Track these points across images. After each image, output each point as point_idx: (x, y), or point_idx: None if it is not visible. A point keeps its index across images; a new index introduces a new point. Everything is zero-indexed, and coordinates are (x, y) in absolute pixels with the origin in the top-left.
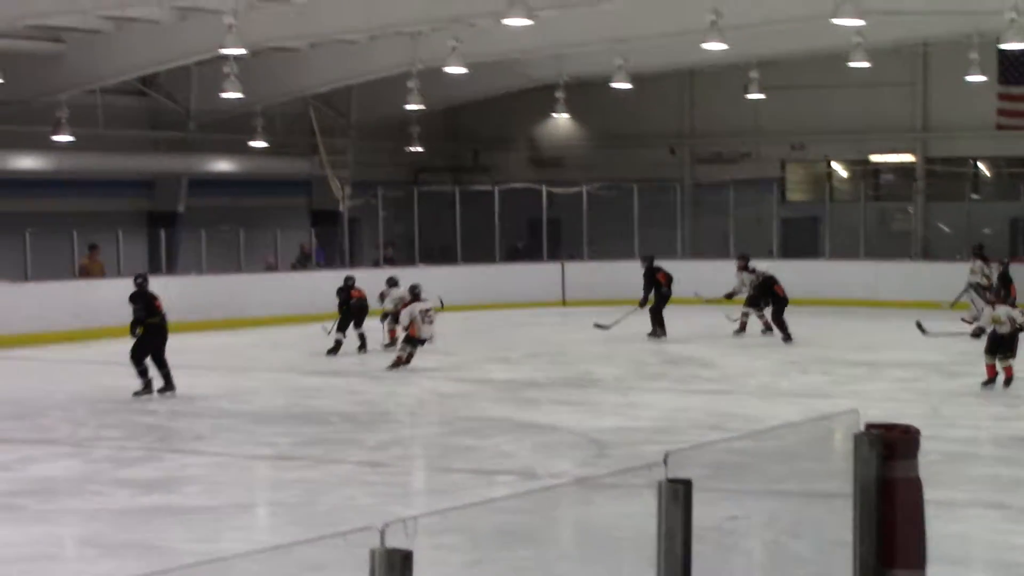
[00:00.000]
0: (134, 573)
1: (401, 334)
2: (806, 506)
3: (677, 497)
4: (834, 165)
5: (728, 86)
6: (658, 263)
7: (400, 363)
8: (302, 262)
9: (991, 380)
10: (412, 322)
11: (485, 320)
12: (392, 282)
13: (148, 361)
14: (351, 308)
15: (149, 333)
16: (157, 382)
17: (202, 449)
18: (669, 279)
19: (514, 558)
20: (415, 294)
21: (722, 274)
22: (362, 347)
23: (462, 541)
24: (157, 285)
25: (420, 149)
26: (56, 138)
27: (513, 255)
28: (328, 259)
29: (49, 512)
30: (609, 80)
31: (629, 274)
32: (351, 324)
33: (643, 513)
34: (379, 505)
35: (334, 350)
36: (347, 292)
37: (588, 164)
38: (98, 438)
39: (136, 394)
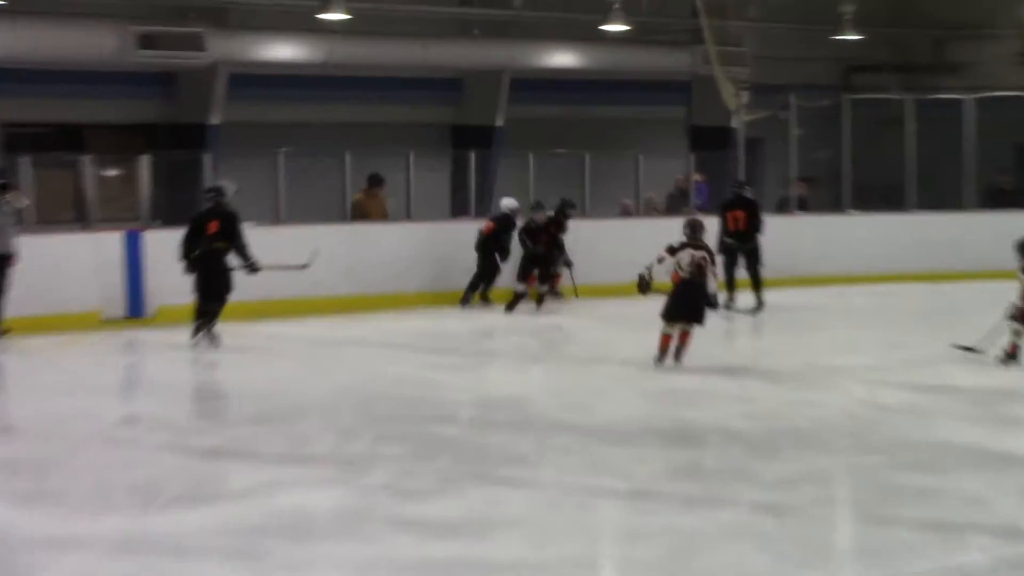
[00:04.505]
0: None
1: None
2: None
3: None
4: None
5: None
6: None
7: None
8: (676, 203)
9: None
10: None
11: (950, 296)
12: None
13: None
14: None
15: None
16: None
17: (523, 478)
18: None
19: None
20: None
21: None
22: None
23: None
24: (463, 231)
25: (855, 37)
26: (326, 16)
27: (995, 198)
28: (713, 199)
29: (303, 563)
30: None
31: None
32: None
33: None
34: (783, 570)
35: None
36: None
37: None
38: (374, 456)
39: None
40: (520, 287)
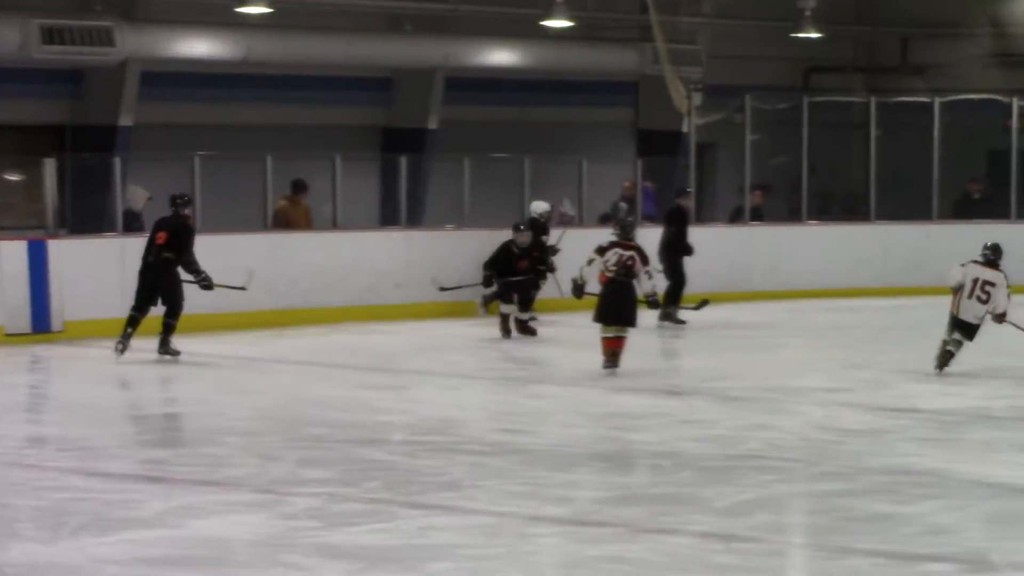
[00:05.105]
0: None
1: None
2: None
3: None
4: None
5: None
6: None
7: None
8: (622, 213)
9: None
10: None
11: (915, 312)
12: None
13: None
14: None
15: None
16: None
17: (457, 504)
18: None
19: None
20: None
21: None
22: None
23: None
24: (391, 241)
25: (815, 35)
26: (245, 10)
27: (964, 208)
28: (662, 208)
29: None
30: None
31: None
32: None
33: None
34: None
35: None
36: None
37: None
38: (297, 480)
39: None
40: (506, 308)
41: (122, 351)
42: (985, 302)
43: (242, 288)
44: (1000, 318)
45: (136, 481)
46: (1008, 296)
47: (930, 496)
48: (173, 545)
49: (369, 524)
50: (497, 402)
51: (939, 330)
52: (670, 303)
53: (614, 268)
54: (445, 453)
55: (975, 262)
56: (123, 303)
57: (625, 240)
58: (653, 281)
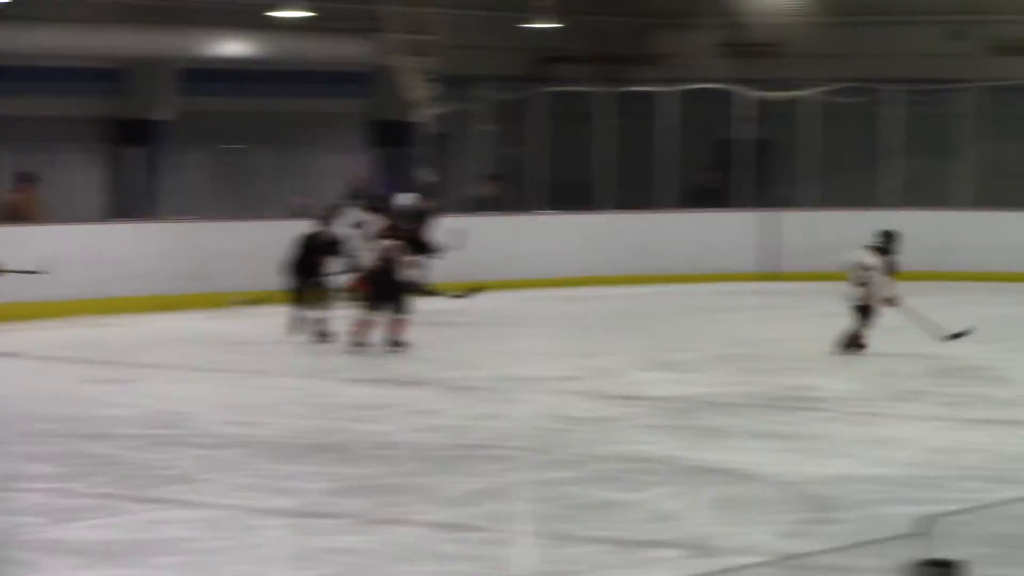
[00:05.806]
0: None
1: None
2: None
3: None
4: None
5: None
6: None
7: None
8: (357, 202)
9: None
10: None
11: (644, 301)
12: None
13: None
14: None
15: None
16: None
17: (185, 497)
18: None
19: None
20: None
21: None
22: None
23: None
24: (122, 233)
25: (553, 26)
26: None
27: (694, 198)
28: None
29: None
30: None
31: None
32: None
33: None
34: None
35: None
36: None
37: (818, 53)
38: (22, 476)
39: None
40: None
41: None
42: (861, 285)
43: (43, 272)
44: (889, 302)
45: None
46: (889, 279)
47: (657, 483)
48: None
49: (96, 519)
50: (227, 395)
51: (670, 318)
52: None
53: (382, 258)
54: (173, 446)
55: (865, 247)
56: None
57: (392, 232)
58: (417, 270)
